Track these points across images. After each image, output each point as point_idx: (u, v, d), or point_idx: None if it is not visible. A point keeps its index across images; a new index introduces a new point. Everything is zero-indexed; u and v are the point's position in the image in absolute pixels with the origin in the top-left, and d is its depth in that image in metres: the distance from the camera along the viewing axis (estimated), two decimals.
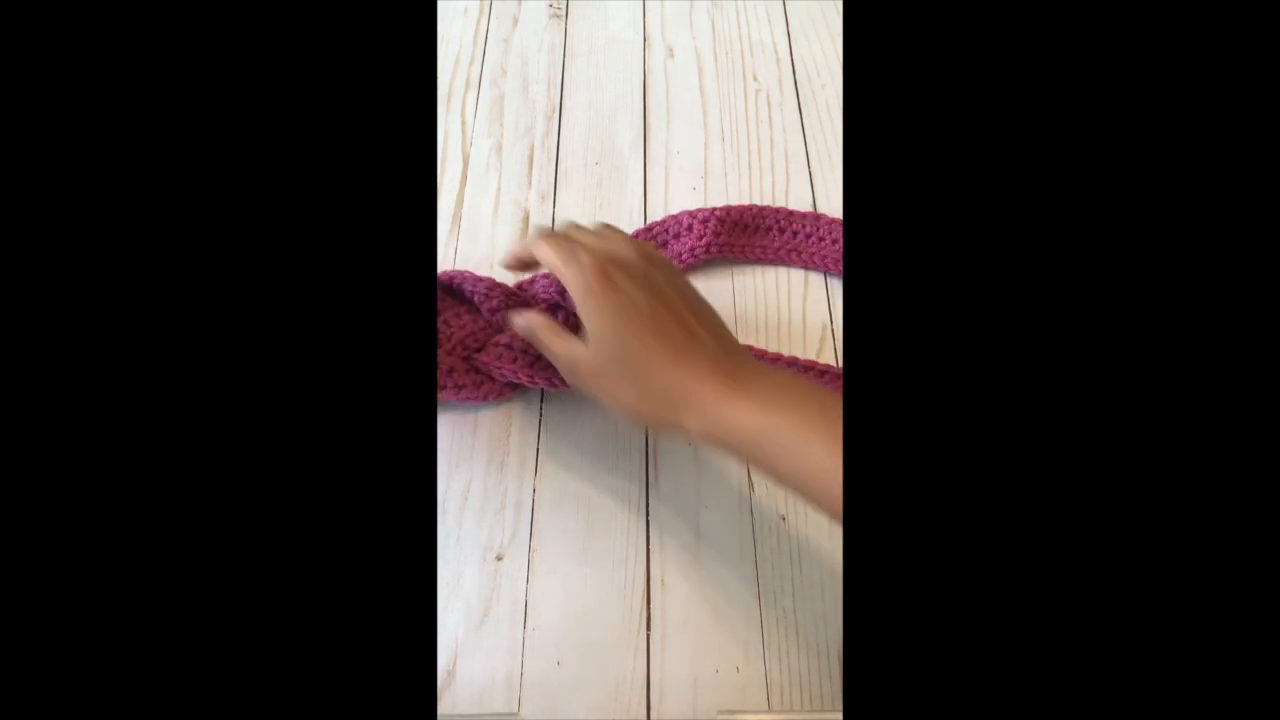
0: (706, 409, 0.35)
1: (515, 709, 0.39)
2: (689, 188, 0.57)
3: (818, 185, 0.57)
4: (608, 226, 0.43)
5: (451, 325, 0.47)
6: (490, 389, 0.46)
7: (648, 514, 0.44)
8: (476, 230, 0.54)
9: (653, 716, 0.39)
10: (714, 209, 0.53)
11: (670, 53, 0.64)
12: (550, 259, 0.40)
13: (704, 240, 0.52)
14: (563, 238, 0.41)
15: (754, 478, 0.45)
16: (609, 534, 0.44)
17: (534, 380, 0.46)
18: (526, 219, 0.55)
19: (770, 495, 0.45)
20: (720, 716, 0.39)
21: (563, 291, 0.45)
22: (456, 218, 0.55)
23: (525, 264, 0.45)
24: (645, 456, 0.46)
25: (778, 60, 0.64)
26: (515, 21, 0.66)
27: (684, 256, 0.52)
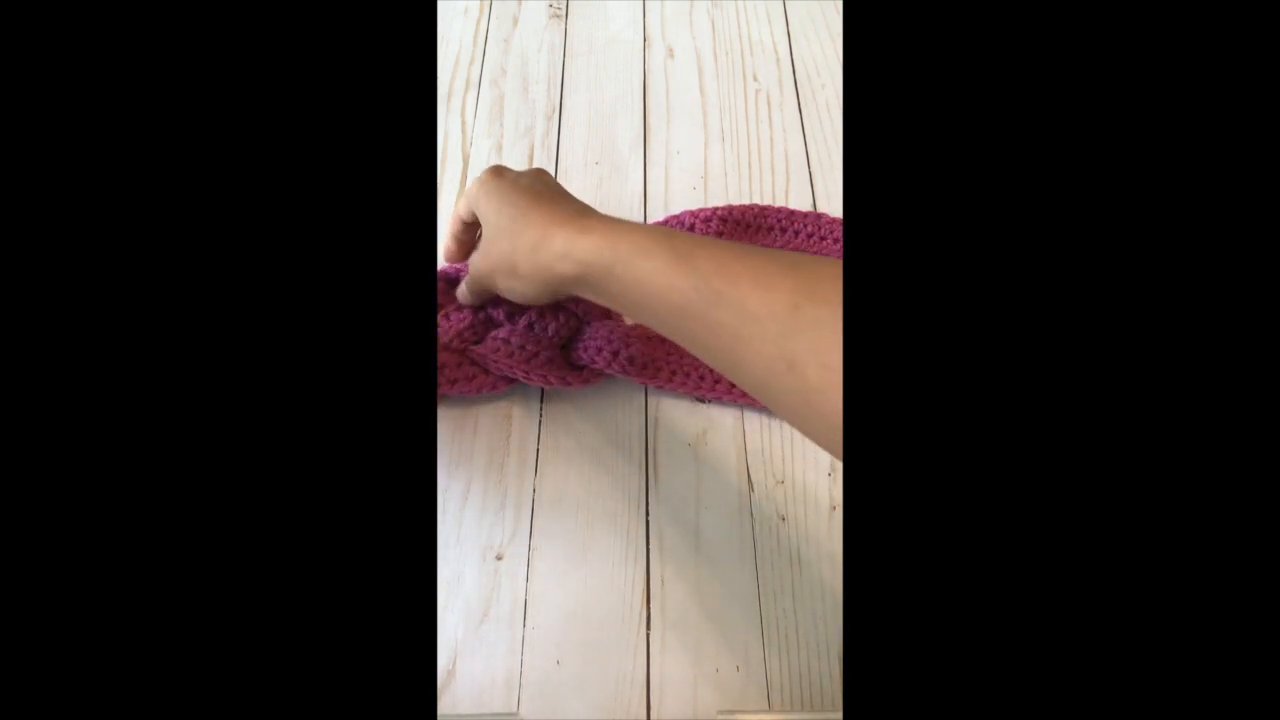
0: (560, 242, 0.39)
1: (515, 709, 0.39)
2: (689, 188, 0.57)
3: (818, 185, 0.57)
4: None
5: (451, 319, 0.47)
6: (484, 382, 0.46)
7: (648, 514, 0.44)
8: None
9: (653, 716, 0.39)
10: (716, 208, 0.53)
11: (670, 53, 0.64)
12: (461, 199, 0.45)
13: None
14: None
15: (754, 478, 0.45)
16: (609, 534, 0.44)
17: (529, 376, 0.46)
18: None
19: (770, 496, 0.45)
20: (720, 716, 0.39)
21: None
22: None
23: (462, 243, 0.48)
24: (645, 457, 0.46)
25: (778, 60, 0.64)
26: (515, 21, 0.66)
27: None
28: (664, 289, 0.35)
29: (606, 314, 0.48)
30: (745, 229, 0.53)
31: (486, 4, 0.67)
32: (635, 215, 0.55)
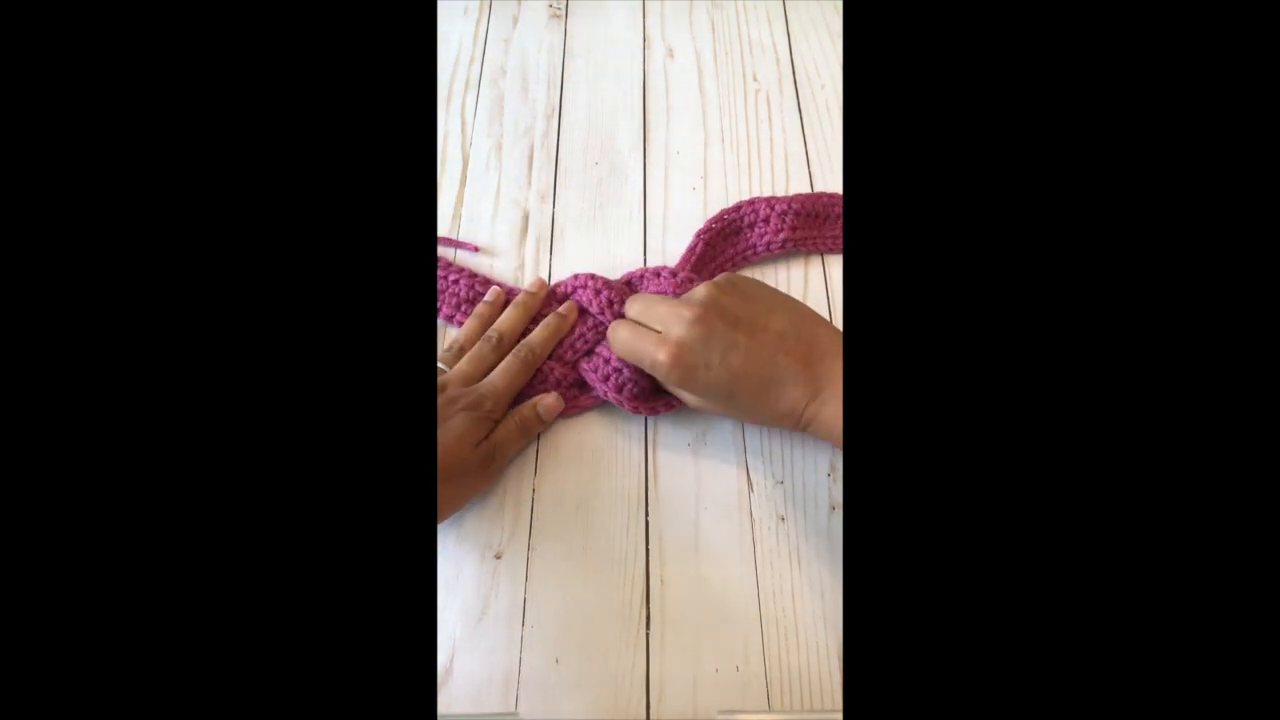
0: (807, 419, 0.41)
1: (513, 707, 0.39)
2: (689, 188, 0.57)
3: (818, 185, 0.57)
4: (663, 300, 0.44)
5: (576, 329, 0.48)
6: (586, 401, 0.47)
7: (647, 513, 0.44)
8: (476, 230, 0.54)
9: (652, 716, 0.39)
10: (790, 199, 0.54)
11: (670, 53, 0.64)
12: (628, 353, 0.44)
13: (780, 235, 0.53)
14: (634, 328, 0.44)
15: (753, 478, 0.45)
16: (609, 533, 0.44)
17: (622, 403, 0.46)
18: (526, 219, 0.55)
19: (770, 496, 0.45)
20: (720, 716, 0.39)
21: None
22: (456, 218, 0.55)
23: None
24: (645, 456, 0.46)
25: (778, 60, 0.64)
26: (515, 21, 0.66)
27: (758, 249, 0.53)
28: None
29: None
30: (816, 220, 0.54)
31: (486, 4, 0.67)
32: (635, 215, 0.55)
